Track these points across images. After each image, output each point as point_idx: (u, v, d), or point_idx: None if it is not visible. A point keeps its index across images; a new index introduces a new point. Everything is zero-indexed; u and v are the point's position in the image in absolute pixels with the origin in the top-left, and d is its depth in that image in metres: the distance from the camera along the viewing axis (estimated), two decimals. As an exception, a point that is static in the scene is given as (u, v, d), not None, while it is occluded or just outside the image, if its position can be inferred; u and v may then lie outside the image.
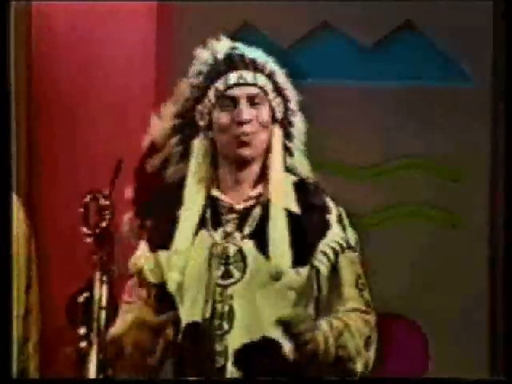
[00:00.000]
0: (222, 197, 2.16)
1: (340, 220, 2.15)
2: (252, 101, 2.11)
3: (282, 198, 2.11)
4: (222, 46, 2.18)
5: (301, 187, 2.16)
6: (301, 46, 3.29)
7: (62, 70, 4.12)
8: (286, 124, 2.21)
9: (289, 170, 2.19)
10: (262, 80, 2.13)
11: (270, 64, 2.18)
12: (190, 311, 2.08)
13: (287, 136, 2.22)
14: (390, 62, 3.52)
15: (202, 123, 2.18)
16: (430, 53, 3.62)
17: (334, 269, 2.10)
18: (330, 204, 2.15)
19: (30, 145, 3.82)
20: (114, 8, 4.11)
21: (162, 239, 2.15)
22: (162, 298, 2.17)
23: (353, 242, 2.15)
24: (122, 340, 2.10)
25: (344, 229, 2.14)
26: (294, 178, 2.18)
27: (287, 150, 2.20)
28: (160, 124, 2.25)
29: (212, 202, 2.16)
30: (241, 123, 2.08)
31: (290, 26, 3.37)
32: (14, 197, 3.06)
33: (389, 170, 3.71)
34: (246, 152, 2.11)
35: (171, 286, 2.11)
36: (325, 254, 2.09)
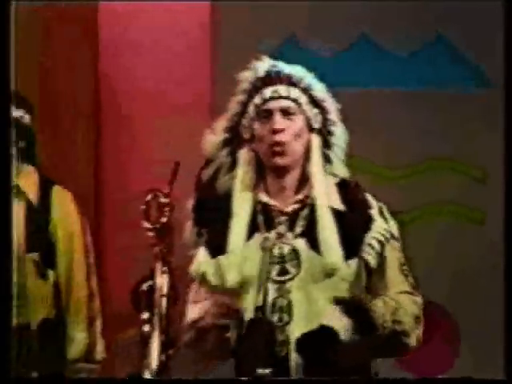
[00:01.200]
0: (271, 202, 2.25)
1: (381, 213, 2.24)
2: (285, 112, 2.21)
3: (326, 198, 2.21)
4: (263, 65, 2.30)
5: (342, 187, 2.27)
6: (342, 56, 3.42)
7: (126, 74, 4.27)
8: (325, 133, 2.30)
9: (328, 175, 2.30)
10: (295, 93, 2.23)
11: (307, 79, 2.28)
12: (251, 307, 2.18)
13: (326, 144, 2.30)
14: (421, 70, 3.63)
15: (246, 136, 2.30)
16: (456, 63, 3.72)
17: (380, 258, 2.20)
18: (371, 199, 2.25)
19: (97, 145, 3.99)
20: (170, 19, 4.27)
21: (218, 245, 2.25)
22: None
23: (395, 233, 2.24)
24: (202, 321, 2.23)
25: (386, 221, 2.24)
26: (335, 179, 2.29)
27: (326, 158, 2.30)
28: (213, 138, 2.37)
29: (262, 207, 2.26)
30: (274, 133, 2.19)
31: (331, 38, 3.49)
32: (69, 195, 3.18)
33: (419, 170, 3.81)
34: (280, 161, 2.21)
35: (232, 286, 2.21)
36: (371, 245, 2.19)
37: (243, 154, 2.29)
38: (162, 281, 2.26)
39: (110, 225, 3.74)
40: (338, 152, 2.31)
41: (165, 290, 2.25)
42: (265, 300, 2.17)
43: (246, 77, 2.31)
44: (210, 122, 2.73)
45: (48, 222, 3.14)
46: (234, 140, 2.32)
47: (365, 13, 3.56)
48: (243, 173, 2.27)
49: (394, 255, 2.21)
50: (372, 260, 2.18)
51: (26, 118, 3.32)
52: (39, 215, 3.14)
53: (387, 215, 2.25)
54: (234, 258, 2.21)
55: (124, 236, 3.55)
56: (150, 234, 2.27)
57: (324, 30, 3.57)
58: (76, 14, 4.29)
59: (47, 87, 4.16)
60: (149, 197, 2.27)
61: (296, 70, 2.29)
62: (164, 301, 2.22)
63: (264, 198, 2.24)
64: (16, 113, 3.24)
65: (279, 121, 2.20)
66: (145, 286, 2.29)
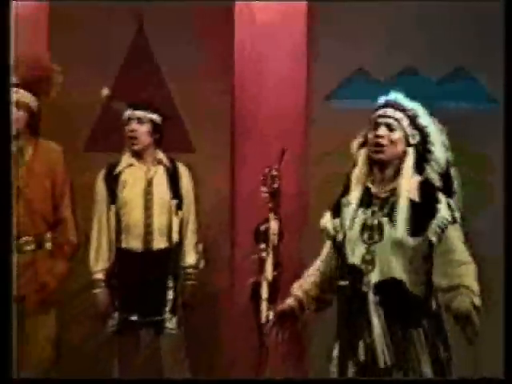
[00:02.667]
0: (373, 189, 2.78)
1: (449, 206, 2.71)
2: (388, 126, 2.76)
3: (408, 191, 2.72)
4: (387, 96, 2.85)
5: (423, 185, 2.76)
6: (394, 82, 4.06)
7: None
8: (422, 149, 2.80)
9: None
10: (398, 115, 2.78)
11: (414, 109, 2.82)
12: (351, 256, 2.75)
13: (423, 158, 2.80)
14: (447, 93, 4.20)
15: (368, 139, 2.85)
16: (474, 89, 4.26)
17: (442, 236, 2.68)
18: (441, 196, 2.74)
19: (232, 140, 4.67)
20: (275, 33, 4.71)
21: (337, 210, 2.83)
22: (336, 248, 2.83)
23: (458, 219, 2.70)
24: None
25: (451, 211, 2.70)
26: (420, 178, 2.77)
27: (421, 168, 2.79)
28: (354, 144, 2.94)
29: (367, 192, 2.79)
30: (377, 137, 2.74)
31: (386, 69, 4.23)
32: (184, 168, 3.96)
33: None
34: (377, 156, 2.74)
35: (341, 240, 2.79)
36: (434, 229, 2.68)
37: (361, 154, 2.84)
38: (274, 225, 3.34)
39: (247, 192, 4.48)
40: (434, 165, 2.81)
41: (275, 231, 3.31)
42: (359, 254, 2.73)
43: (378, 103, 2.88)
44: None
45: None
46: (363, 146, 2.86)
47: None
48: (359, 167, 2.82)
49: (455, 234, 2.69)
50: (434, 238, 2.67)
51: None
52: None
53: (454, 207, 2.72)
54: (345, 223, 2.85)
55: (251, 198, 4.17)
56: (266, 195, 3.35)
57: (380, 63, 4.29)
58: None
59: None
60: (266, 170, 3.36)
61: (408, 102, 2.82)
62: (275, 237, 3.29)
63: (369, 185, 2.79)
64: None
65: (381, 130, 2.75)
66: (263, 227, 3.37)
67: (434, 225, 2.67)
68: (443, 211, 2.68)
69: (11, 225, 2.98)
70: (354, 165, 2.87)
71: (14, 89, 3.72)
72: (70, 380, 3.69)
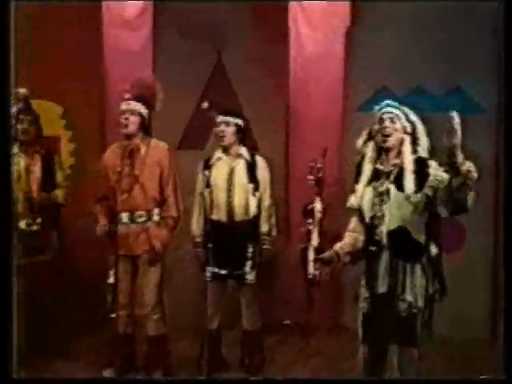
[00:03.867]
0: (381, 167, 3.35)
1: (437, 169, 3.19)
2: (391, 119, 3.33)
3: (409, 164, 3.27)
4: (385, 102, 3.40)
5: (417, 160, 3.28)
6: (408, 96, 4.63)
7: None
8: (414, 136, 3.34)
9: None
10: (398, 112, 3.34)
11: (406, 109, 3.37)
12: (367, 217, 3.30)
13: (415, 142, 3.33)
14: (451, 104, 4.56)
15: (373, 133, 3.41)
16: (469, 102, 4.81)
17: (435, 192, 3.17)
18: (431, 162, 3.24)
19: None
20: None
21: (354, 190, 3.41)
22: (359, 219, 3.38)
23: (445, 178, 3.11)
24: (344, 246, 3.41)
25: (438, 172, 3.18)
26: (415, 156, 3.31)
27: (414, 148, 3.33)
28: (360, 141, 3.48)
29: (376, 170, 3.35)
30: (384, 128, 3.32)
31: (401, 86, 4.80)
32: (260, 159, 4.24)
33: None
34: (385, 144, 3.32)
35: (357, 207, 3.39)
36: (430, 185, 3.20)
37: (370, 144, 3.39)
38: (318, 205, 3.75)
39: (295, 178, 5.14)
40: (421, 147, 3.34)
41: (320, 210, 3.72)
42: (374, 213, 3.28)
43: (376, 108, 3.40)
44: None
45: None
46: (371, 138, 3.39)
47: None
48: (370, 153, 3.37)
49: (443, 181, 3.13)
50: (429, 192, 3.19)
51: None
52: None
53: (441, 169, 3.16)
54: (363, 195, 3.36)
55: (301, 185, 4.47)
56: (312, 182, 3.79)
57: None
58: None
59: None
60: (312, 164, 3.85)
61: (402, 107, 3.38)
62: (319, 214, 3.71)
63: (378, 165, 3.36)
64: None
65: (387, 122, 3.31)
66: (310, 207, 3.77)
67: (428, 183, 3.20)
68: (433, 173, 3.20)
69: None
70: (362, 156, 3.37)
71: (129, 101, 4.11)
72: (70, 380, 3.70)
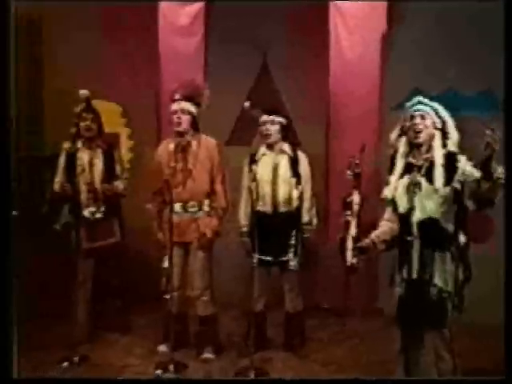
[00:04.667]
0: (413, 161, 3.44)
1: (465, 164, 3.28)
2: (421, 117, 3.43)
3: (439, 158, 3.36)
4: (420, 100, 3.50)
5: (448, 154, 3.36)
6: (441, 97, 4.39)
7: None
8: (444, 131, 3.41)
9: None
10: (427, 109, 3.44)
11: (436, 106, 3.45)
12: (400, 208, 3.39)
13: (445, 137, 3.39)
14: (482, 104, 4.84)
15: (405, 129, 3.43)
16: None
17: (463, 185, 3.27)
18: (460, 157, 3.32)
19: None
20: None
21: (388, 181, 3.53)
22: (394, 209, 3.46)
23: (475, 173, 3.21)
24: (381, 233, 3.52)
25: (468, 166, 3.26)
26: (445, 151, 3.39)
27: (444, 143, 3.38)
28: (393, 135, 3.58)
29: (408, 163, 3.44)
30: (415, 125, 3.39)
31: (431, 88, 4.70)
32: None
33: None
34: (416, 140, 3.41)
35: (391, 198, 3.48)
36: (459, 179, 3.28)
37: (403, 139, 3.49)
38: (356, 197, 3.85)
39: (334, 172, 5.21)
40: (451, 142, 3.41)
41: (358, 202, 3.83)
42: (408, 205, 3.35)
43: (407, 104, 3.51)
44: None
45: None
46: (403, 134, 3.48)
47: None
48: (402, 148, 3.46)
49: (471, 176, 3.22)
50: (458, 186, 3.27)
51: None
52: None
53: (470, 163, 3.26)
54: (397, 187, 3.45)
55: (338, 178, 4.77)
56: (350, 177, 3.92)
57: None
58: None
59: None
60: (350, 159, 3.97)
61: (433, 103, 3.46)
62: (357, 206, 3.81)
63: (410, 159, 3.45)
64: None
65: (418, 119, 3.40)
66: (348, 199, 3.88)
67: (457, 177, 3.28)
68: (461, 168, 3.27)
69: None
70: (395, 150, 3.45)
71: (179, 100, 4.27)
72: (70, 380, 3.69)
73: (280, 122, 4.40)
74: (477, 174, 3.21)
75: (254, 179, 4.35)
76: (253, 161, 4.43)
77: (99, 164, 4.66)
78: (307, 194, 4.45)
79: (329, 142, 5.37)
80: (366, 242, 3.46)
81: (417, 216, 3.33)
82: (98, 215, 4.63)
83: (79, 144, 4.61)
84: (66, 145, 4.59)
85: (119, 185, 4.75)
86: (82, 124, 4.61)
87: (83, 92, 4.45)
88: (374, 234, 3.49)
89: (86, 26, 5.31)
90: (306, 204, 4.46)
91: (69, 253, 4.54)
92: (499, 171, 3.06)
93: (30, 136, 5.44)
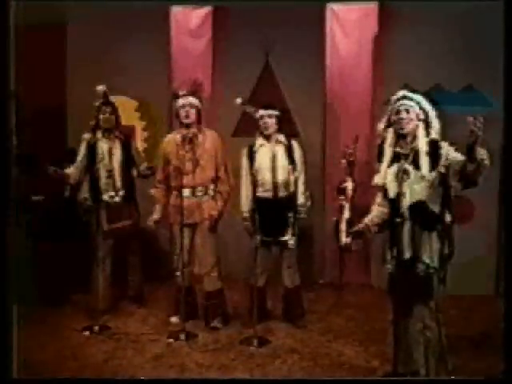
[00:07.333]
0: (400, 150, 3.40)
1: (449, 149, 3.24)
2: (406, 111, 3.36)
3: (423, 146, 3.32)
4: (401, 92, 3.45)
5: (431, 142, 3.33)
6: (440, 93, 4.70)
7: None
8: (427, 122, 3.38)
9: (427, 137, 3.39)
10: (412, 103, 3.38)
11: (419, 99, 3.39)
12: (391, 193, 3.32)
13: (428, 126, 3.37)
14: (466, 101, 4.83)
15: (392, 121, 3.43)
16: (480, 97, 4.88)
17: (447, 169, 3.21)
18: (443, 144, 3.28)
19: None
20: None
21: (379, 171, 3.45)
22: (384, 194, 3.40)
23: (458, 156, 3.18)
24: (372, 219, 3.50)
25: (450, 151, 3.23)
26: (428, 139, 3.35)
27: (427, 132, 3.37)
28: (380, 125, 3.49)
29: (396, 152, 3.39)
30: (400, 119, 3.34)
31: (422, 83, 4.62)
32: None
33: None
34: (402, 131, 3.36)
35: (382, 184, 3.41)
36: (443, 164, 3.24)
37: (390, 131, 3.42)
38: (350, 184, 3.93)
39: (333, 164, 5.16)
40: (434, 131, 3.37)
41: (351, 188, 3.90)
42: (398, 190, 3.30)
43: (393, 98, 3.45)
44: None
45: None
46: (390, 125, 3.42)
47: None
48: (390, 139, 3.41)
49: (455, 160, 3.18)
50: (443, 170, 3.23)
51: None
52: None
53: (452, 149, 3.23)
54: (387, 174, 3.38)
55: (336, 165, 4.70)
56: (345, 164, 4.01)
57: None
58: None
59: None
60: (345, 148, 4.07)
61: (417, 96, 3.42)
62: (350, 192, 3.89)
63: (397, 149, 3.40)
64: None
65: (403, 114, 3.35)
66: (343, 186, 3.93)
67: (441, 162, 3.24)
68: (444, 153, 3.25)
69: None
70: (382, 139, 3.39)
71: (186, 96, 4.30)
72: (70, 380, 3.47)
73: (276, 115, 4.43)
74: (460, 157, 3.21)
75: (254, 168, 4.36)
76: (252, 151, 4.45)
77: (118, 153, 4.69)
78: (301, 179, 4.49)
79: (326, 133, 5.41)
80: (361, 226, 3.47)
81: (406, 200, 3.33)
82: (117, 199, 4.65)
83: (99, 135, 4.64)
84: (87, 135, 4.62)
85: (135, 172, 4.76)
86: (101, 116, 4.64)
87: (100, 87, 4.46)
88: (367, 219, 3.50)
89: (106, 27, 5.36)
90: (301, 188, 4.49)
91: (90, 234, 4.58)
92: (482, 153, 3.05)
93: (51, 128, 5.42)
